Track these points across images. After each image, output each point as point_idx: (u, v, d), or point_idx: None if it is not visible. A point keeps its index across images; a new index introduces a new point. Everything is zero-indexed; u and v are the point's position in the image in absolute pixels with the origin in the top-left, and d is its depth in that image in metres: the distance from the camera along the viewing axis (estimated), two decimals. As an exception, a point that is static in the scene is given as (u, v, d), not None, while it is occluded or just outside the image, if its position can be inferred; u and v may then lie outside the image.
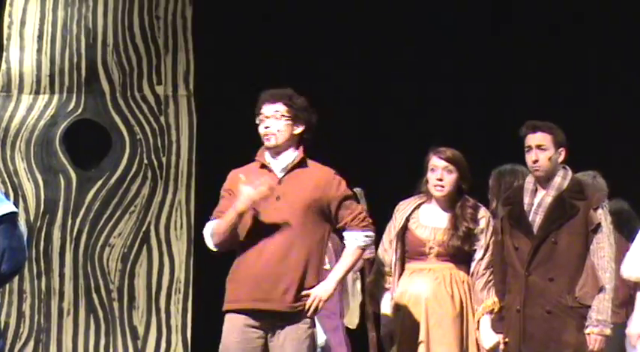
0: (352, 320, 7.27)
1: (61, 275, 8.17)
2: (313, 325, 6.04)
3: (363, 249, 6.11)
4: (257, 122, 6.08)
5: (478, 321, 6.34)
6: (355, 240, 6.00)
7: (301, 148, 6.02)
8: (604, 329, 6.20)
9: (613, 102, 9.29)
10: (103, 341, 8.41)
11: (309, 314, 5.83)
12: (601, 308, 6.22)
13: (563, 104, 9.29)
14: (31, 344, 8.27)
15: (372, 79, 9.53)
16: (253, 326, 5.86)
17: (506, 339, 6.24)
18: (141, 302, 8.48)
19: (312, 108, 6.12)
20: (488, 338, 6.23)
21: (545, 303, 6.24)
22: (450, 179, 6.16)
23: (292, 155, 5.96)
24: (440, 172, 6.16)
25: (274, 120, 5.94)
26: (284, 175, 5.98)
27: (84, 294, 8.32)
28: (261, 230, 5.97)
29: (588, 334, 6.11)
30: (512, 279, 6.29)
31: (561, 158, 6.22)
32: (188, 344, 8.45)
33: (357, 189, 6.85)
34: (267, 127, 5.95)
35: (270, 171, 6.02)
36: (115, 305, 8.34)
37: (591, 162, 7.39)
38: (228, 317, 5.84)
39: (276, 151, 6.00)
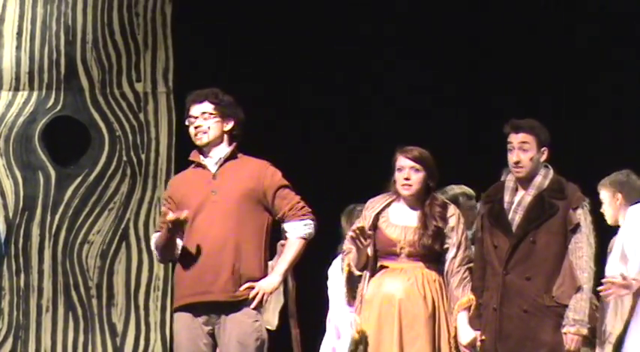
0: (271, 321, 7.25)
1: (40, 272, 8.15)
2: (259, 318, 6.03)
3: (305, 238, 6.09)
4: (187, 124, 6.13)
5: (455, 318, 6.27)
6: (295, 230, 6.02)
7: (234, 144, 6.05)
8: (581, 328, 6.13)
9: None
10: (81, 338, 8.40)
11: (252, 306, 5.82)
12: (578, 308, 6.15)
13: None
14: (10, 340, 8.27)
15: (356, 72, 9.39)
16: (200, 322, 5.92)
17: (483, 337, 6.17)
18: (120, 299, 8.48)
19: (238, 105, 6.13)
20: (465, 334, 6.16)
21: (522, 302, 6.19)
22: (417, 178, 6.15)
23: (225, 150, 5.98)
24: (407, 171, 6.15)
25: (203, 120, 5.99)
26: (217, 169, 6.00)
27: (63, 291, 8.30)
28: (199, 225, 6.00)
29: (565, 333, 6.05)
30: (490, 277, 6.24)
31: (543, 157, 6.18)
32: (167, 341, 8.41)
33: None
34: (197, 127, 5.99)
35: (204, 167, 6.05)
36: (94, 302, 8.32)
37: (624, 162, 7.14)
38: (175, 316, 5.91)
39: (209, 149, 6.03)
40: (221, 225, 5.96)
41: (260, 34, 9.00)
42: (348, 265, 6.22)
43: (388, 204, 6.25)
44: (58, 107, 8.47)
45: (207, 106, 5.96)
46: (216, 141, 5.97)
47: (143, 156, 8.45)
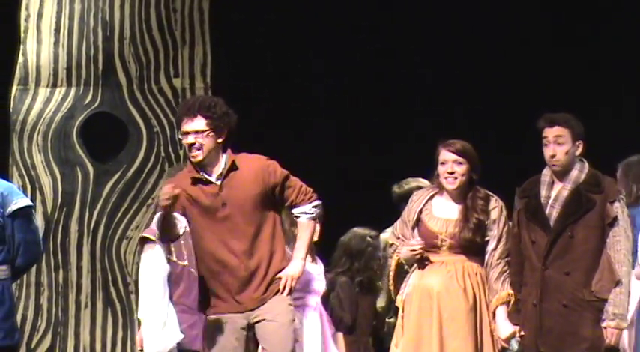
0: None
1: (79, 268, 8.17)
2: (290, 301, 6.13)
3: (314, 219, 6.18)
4: (179, 137, 6.12)
5: (493, 312, 6.22)
6: (305, 213, 6.11)
7: (228, 151, 6.08)
8: (620, 322, 6.08)
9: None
10: (120, 334, 8.39)
11: (284, 294, 5.96)
12: (617, 302, 6.09)
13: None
14: (49, 337, 8.27)
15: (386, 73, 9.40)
16: (236, 315, 6.02)
17: (522, 332, 6.13)
18: (158, 295, 8.49)
19: (230, 111, 6.10)
20: (504, 328, 6.12)
21: (562, 297, 6.11)
22: (460, 171, 6.11)
23: (222, 161, 6.04)
24: (450, 165, 6.12)
25: (195, 136, 5.98)
26: (222, 182, 6.03)
27: (101, 287, 8.31)
28: (218, 239, 6.07)
29: (605, 327, 5.99)
30: (528, 273, 6.20)
31: (579, 151, 6.06)
32: (204, 336, 8.37)
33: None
34: (191, 144, 6.00)
35: (209, 182, 6.09)
36: (133, 297, 8.27)
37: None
38: (210, 320, 6.06)
39: (206, 164, 6.05)
40: (241, 239, 6.05)
41: (298, 30, 9.09)
42: (398, 259, 6.26)
43: (431, 197, 6.24)
44: (96, 103, 8.47)
45: (200, 123, 5.97)
46: (211, 155, 6.02)
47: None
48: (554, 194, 6.16)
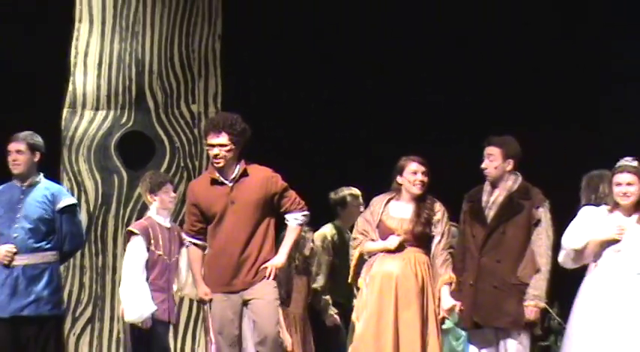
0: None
1: (114, 255, 9.05)
2: (274, 284, 6.92)
3: (302, 224, 6.98)
4: (206, 148, 6.98)
5: (439, 290, 7.07)
6: (295, 219, 6.88)
7: (242, 161, 6.86)
8: (539, 302, 6.88)
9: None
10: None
11: (270, 279, 6.81)
12: (537, 286, 6.89)
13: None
14: (90, 308, 9.07)
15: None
16: (232, 295, 6.85)
17: (462, 307, 7.03)
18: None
19: (247, 127, 6.91)
20: (446, 302, 6.96)
21: (493, 280, 6.95)
22: (426, 180, 7.00)
23: (236, 168, 6.83)
24: (421, 175, 6.98)
25: (219, 149, 6.78)
26: (233, 184, 6.81)
27: (132, 270, 8.66)
28: (224, 228, 6.86)
29: (526, 306, 6.87)
30: (468, 260, 7.01)
31: (509, 167, 6.99)
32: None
33: (355, 190, 8.28)
34: (215, 155, 6.77)
35: (223, 184, 6.89)
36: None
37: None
38: (214, 298, 6.90)
39: (224, 169, 6.87)
40: (240, 232, 6.83)
41: (291, 68, 9.96)
42: (361, 252, 7.16)
43: (388, 201, 7.07)
44: (130, 123, 9.33)
45: (224, 138, 6.70)
46: (229, 162, 6.77)
47: (197, 163, 9.33)
48: (492, 199, 7.01)
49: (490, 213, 7.00)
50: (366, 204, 7.78)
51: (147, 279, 7.45)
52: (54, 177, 8.18)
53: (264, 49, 9.87)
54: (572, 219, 7.28)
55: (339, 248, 8.46)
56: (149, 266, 7.46)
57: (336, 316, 8.49)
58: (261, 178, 6.74)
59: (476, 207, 7.10)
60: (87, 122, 9.32)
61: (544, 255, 6.90)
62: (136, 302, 7.51)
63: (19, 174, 7.36)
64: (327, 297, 8.50)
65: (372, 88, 10.42)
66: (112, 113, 9.34)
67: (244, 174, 6.70)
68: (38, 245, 7.38)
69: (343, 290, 8.28)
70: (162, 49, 9.43)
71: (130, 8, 9.38)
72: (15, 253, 7.29)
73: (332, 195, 8.41)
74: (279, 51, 9.89)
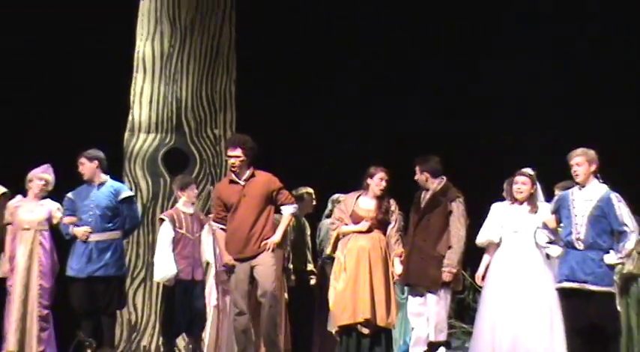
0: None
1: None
2: (273, 255, 7.65)
3: (293, 214, 7.82)
4: (226, 158, 7.82)
5: (392, 260, 7.90)
6: (287, 210, 7.70)
7: (252, 167, 7.63)
8: (452, 269, 7.74)
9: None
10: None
11: (269, 251, 7.63)
12: (450, 258, 7.73)
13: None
14: (143, 272, 10.20)
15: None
16: (244, 263, 7.60)
17: (400, 273, 7.81)
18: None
19: (255, 145, 7.64)
20: (398, 268, 7.90)
21: (421, 254, 7.85)
22: (386, 185, 7.88)
23: (247, 172, 7.56)
24: (384, 182, 7.86)
25: (235, 159, 7.55)
26: (245, 183, 7.60)
27: (173, 244, 8.85)
28: (238, 214, 7.64)
29: (443, 271, 7.77)
30: (409, 239, 7.87)
31: (426, 178, 7.94)
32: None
33: (309, 189, 8.93)
34: (233, 164, 7.56)
35: (238, 183, 7.60)
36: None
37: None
38: (230, 263, 7.63)
39: (238, 172, 7.62)
40: (250, 215, 7.56)
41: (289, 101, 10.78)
42: (338, 233, 7.92)
43: (358, 197, 7.88)
44: (171, 143, 10.57)
45: (239, 152, 7.52)
46: (242, 168, 7.58)
47: (218, 171, 10.49)
48: (426, 197, 7.91)
49: (422, 206, 7.91)
50: (317, 200, 8.99)
51: (174, 250, 8.44)
52: (118, 179, 9.23)
53: (266, 90, 10.95)
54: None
55: (297, 229, 9.02)
56: (175, 241, 8.48)
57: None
58: (265, 180, 7.58)
59: (417, 203, 7.95)
60: (142, 141, 10.58)
61: (456, 236, 7.78)
62: (162, 267, 8.48)
63: (87, 179, 8.44)
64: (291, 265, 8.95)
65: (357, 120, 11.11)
66: (158, 135, 10.56)
67: (253, 176, 7.55)
68: (107, 226, 8.36)
69: (299, 259, 9.11)
70: (194, 90, 10.61)
71: (171, 63, 10.53)
72: (90, 232, 8.28)
73: (293, 193, 8.53)
74: (277, 92, 10.96)
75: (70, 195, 8.33)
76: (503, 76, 10.69)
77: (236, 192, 7.58)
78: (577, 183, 7.47)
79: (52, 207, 8.66)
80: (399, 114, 10.68)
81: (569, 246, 7.39)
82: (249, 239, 7.53)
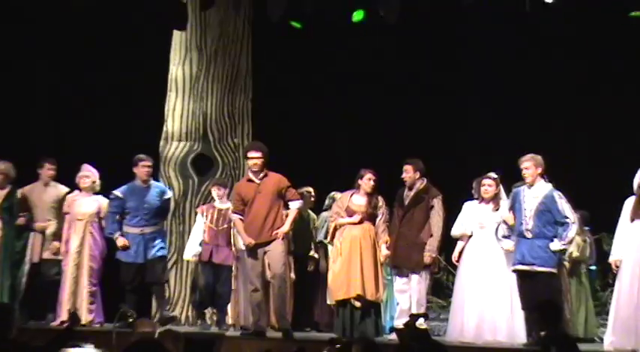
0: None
1: (189, 225, 10.08)
2: (284, 243, 7.95)
3: (299, 209, 8.21)
4: (248, 160, 8.03)
5: (380, 245, 8.18)
6: (294, 205, 8.14)
7: (265, 168, 7.97)
8: (431, 253, 8.15)
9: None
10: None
11: (280, 238, 7.97)
12: (431, 244, 8.14)
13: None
14: (175, 255, 10.35)
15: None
16: (258, 248, 7.95)
17: (386, 256, 8.17)
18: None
19: (267, 151, 7.92)
20: (384, 252, 8.20)
21: (407, 241, 8.21)
22: (374, 184, 8.19)
23: (262, 172, 7.97)
24: (372, 182, 8.18)
25: (257, 160, 7.93)
26: (260, 182, 8.00)
27: (200, 234, 9.39)
28: (254, 207, 7.99)
29: (424, 255, 8.13)
30: (395, 229, 8.21)
31: (417, 176, 8.18)
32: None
33: (309, 188, 9.14)
34: (255, 164, 7.93)
35: (254, 181, 7.95)
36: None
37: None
38: (247, 248, 8.01)
39: (256, 172, 8.00)
40: (264, 208, 7.97)
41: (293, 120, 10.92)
42: (335, 224, 8.23)
43: (352, 195, 8.25)
44: (199, 149, 10.69)
45: (260, 155, 7.97)
46: (259, 169, 8.00)
47: (237, 173, 10.56)
48: (410, 194, 8.25)
49: (406, 202, 8.30)
50: (317, 198, 9.31)
51: (203, 238, 9.00)
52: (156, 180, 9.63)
53: (276, 107, 11.12)
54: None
55: (299, 222, 9.01)
56: (205, 231, 9.05)
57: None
58: (276, 179, 8.03)
59: (400, 200, 8.35)
60: (174, 148, 10.75)
61: (436, 227, 8.22)
62: (190, 249, 9.15)
63: (143, 180, 8.97)
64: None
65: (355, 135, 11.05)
66: (188, 143, 10.74)
67: (266, 176, 8.01)
68: (155, 220, 8.95)
69: (302, 246, 9.35)
70: (217, 106, 10.75)
71: (198, 83, 10.67)
72: (128, 246, 8.73)
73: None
74: (284, 108, 11.14)
75: (117, 192, 8.74)
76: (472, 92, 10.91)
77: (252, 189, 7.92)
78: (526, 183, 7.88)
79: (102, 202, 9.12)
80: (386, 126, 11.05)
81: (520, 235, 7.81)
82: (263, 228, 7.85)
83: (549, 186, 7.88)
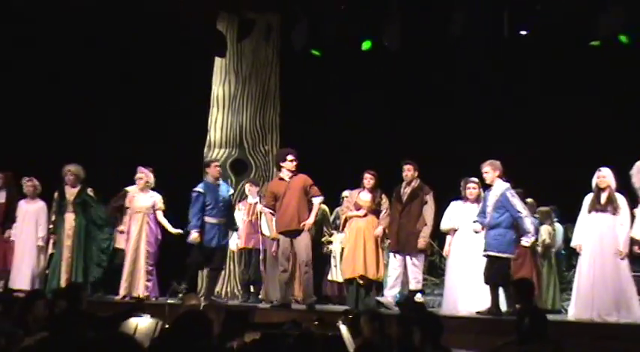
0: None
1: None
2: (308, 234, 8.01)
3: (320, 203, 8.29)
4: (287, 163, 8.05)
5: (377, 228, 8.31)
6: (316, 200, 8.23)
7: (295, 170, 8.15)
8: (425, 239, 8.30)
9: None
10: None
11: (305, 229, 8.06)
12: (424, 232, 8.30)
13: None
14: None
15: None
16: (286, 238, 8.09)
17: (389, 241, 8.48)
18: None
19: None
20: (378, 231, 8.27)
21: (406, 230, 8.31)
22: (374, 183, 8.30)
23: (292, 173, 8.12)
24: (371, 180, 8.32)
25: (295, 162, 8.07)
26: (289, 180, 8.11)
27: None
28: (284, 202, 8.07)
29: (419, 241, 8.24)
30: (395, 220, 8.34)
31: (415, 175, 8.23)
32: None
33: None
34: (295, 166, 8.03)
35: (284, 180, 8.02)
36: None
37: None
38: (279, 236, 8.27)
39: (294, 173, 8.08)
40: (293, 202, 8.08)
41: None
42: (346, 217, 8.41)
43: (359, 192, 8.41)
44: (236, 155, 10.87)
45: (294, 157, 8.13)
46: (296, 170, 8.13)
47: (267, 174, 10.71)
48: (406, 191, 8.38)
49: (404, 198, 8.46)
50: (331, 194, 9.30)
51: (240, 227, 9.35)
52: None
53: (300, 120, 11.06)
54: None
55: (322, 215, 9.46)
56: (243, 221, 9.37)
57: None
58: (303, 178, 8.24)
59: (399, 196, 8.51)
60: (215, 154, 10.89)
61: (429, 218, 8.46)
62: (232, 240, 9.33)
63: (215, 179, 8.91)
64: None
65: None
66: (227, 150, 10.95)
67: (295, 175, 8.23)
68: (227, 212, 8.82)
69: (320, 234, 9.52)
70: (251, 120, 10.96)
71: (235, 101, 10.87)
72: (200, 241, 8.61)
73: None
74: (306, 121, 11.12)
75: (199, 189, 8.72)
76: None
77: (283, 186, 8.12)
78: (488, 185, 8.02)
79: (157, 198, 9.29)
80: (386, 135, 11.11)
81: (486, 227, 7.93)
82: (292, 219, 8.04)
83: (505, 185, 7.93)
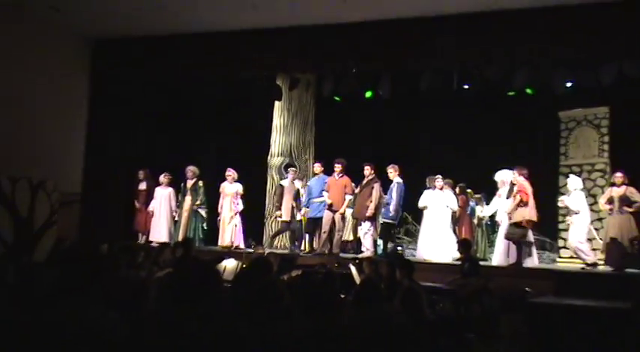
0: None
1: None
2: (341, 216, 9.35)
3: (351, 199, 8.97)
4: (336, 167, 9.06)
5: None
6: (348, 196, 8.94)
7: (343, 172, 8.93)
8: (371, 210, 8.34)
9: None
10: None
11: (340, 212, 9.21)
12: (371, 207, 8.34)
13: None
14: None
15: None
16: (332, 212, 8.76)
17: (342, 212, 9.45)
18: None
19: (345, 160, 8.75)
20: (342, 209, 9.07)
21: (359, 208, 8.75)
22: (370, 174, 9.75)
23: (341, 174, 8.67)
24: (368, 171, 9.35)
25: (341, 167, 8.60)
26: (337, 179, 8.63)
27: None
28: (331, 192, 8.79)
29: (367, 212, 8.43)
30: (357, 199, 8.85)
31: (372, 171, 8.69)
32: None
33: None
34: (340, 170, 8.55)
35: (334, 178, 8.40)
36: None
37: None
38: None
39: (340, 174, 8.67)
40: (337, 193, 8.97)
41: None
42: (353, 202, 9.71)
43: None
44: (287, 161, 10.78)
45: (340, 166, 8.81)
46: (340, 172, 8.95)
47: (307, 173, 10.55)
48: (362, 182, 8.84)
49: (363, 183, 8.86)
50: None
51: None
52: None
53: (328, 139, 11.29)
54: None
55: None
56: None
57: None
58: (345, 179, 8.96)
59: (360, 183, 9.01)
60: (275, 160, 10.70)
61: (374, 198, 8.76)
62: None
63: (317, 174, 9.62)
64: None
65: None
66: (282, 158, 10.86)
67: (342, 176, 8.90)
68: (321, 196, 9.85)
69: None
70: (297, 140, 11.01)
71: (287, 126, 10.98)
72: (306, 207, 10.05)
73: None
74: (333, 141, 11.15)
75: (310, 183, 9.30)
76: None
77: (333, 182, 8.66)
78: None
79: (238, 188, 9.82)
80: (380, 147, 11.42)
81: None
82: (336, 204, 8.78)
83: (397, 180, 8.78)
